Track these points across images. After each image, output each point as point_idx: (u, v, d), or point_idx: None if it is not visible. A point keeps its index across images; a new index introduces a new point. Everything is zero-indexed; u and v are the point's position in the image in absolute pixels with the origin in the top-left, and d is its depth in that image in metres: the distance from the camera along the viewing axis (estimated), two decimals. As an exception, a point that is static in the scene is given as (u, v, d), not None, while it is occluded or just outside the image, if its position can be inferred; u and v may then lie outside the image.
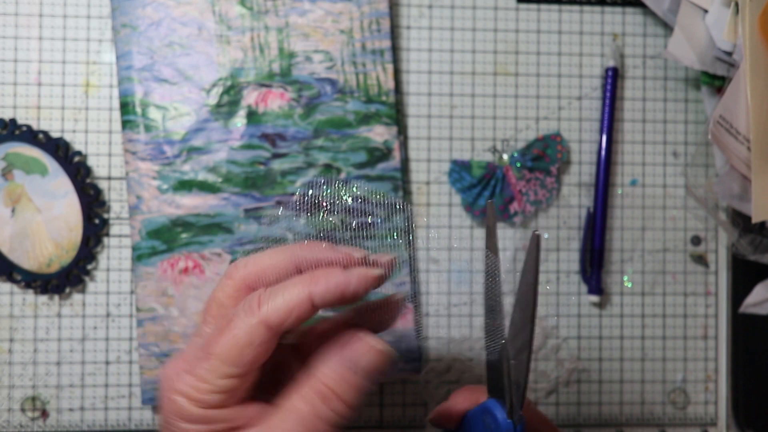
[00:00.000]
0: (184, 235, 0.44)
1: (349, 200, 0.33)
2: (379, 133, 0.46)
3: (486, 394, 0.34)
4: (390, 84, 0.46)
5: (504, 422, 0.31)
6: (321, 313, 0.29)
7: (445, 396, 0.47)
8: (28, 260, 0.45)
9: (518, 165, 0.48)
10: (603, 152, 0.48)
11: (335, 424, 0.28)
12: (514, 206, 0.48)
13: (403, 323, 0.46)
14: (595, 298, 0.48)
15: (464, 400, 0.35)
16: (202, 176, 0.45)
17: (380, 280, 0.29)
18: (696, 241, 0.50)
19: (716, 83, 0.47)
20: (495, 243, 0.36)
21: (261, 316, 0.27)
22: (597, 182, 0.48)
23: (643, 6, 0.49)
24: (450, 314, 0.48)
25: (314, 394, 0.28)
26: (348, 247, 0.30)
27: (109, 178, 0.46)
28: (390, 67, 0.46)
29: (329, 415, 0.28)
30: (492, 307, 0.35)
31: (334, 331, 0.30)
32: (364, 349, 0.28)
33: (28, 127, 0.45)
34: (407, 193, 0.48)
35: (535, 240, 0.37)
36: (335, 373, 0.28)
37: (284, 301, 0.28)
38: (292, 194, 0.45)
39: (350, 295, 0.28)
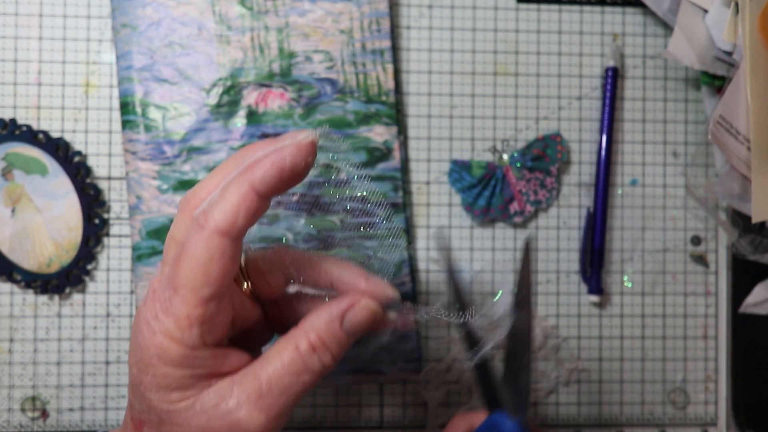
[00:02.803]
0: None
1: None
2: (379, 133, 0.46)
3: (486, 415, 0.34)
4: (390, 84, 0.46)
5: (512, 427, 0.31)
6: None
7: (445, 396, 0.47)
8: (28, 260, 0.45)
9: (518, 165, 0.48)
10: (603, 152, 0.48)
11: (318, 375, 0.29)
12: (514, 206, 0.48)
13: (403, 323, 0.46)
14: (595, 298, 0.48)
15: (464, 421, 0.35)
16: (202, 176, 0.45)
17: (313, 146, 0.28)
18: (696, 241, 0.50)
19: (716, 83, 0.47)
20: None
21: (210, 226, 0.26)
22: (597, 182, 0.48)
23: (643, 6, 0.49)
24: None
25: (305, 343, 0.28)
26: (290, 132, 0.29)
27: (109, 178, 0.46)
28: (390, 67, 0.46)
29: (315, 364, 0.28)
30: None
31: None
32: (355, 305, 0.29)
33: (28, 127, 0.45)
34: (407, 193, 0.48)
35: (529, 246, 0.37)
36: (326, 325, 0.28)
37: (228, 202, 0.26)
38: (292, 194, 0.45)
39: (289, 169, 0.27)
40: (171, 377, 0.27)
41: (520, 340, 0.35)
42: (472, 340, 0.33)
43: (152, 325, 0.27)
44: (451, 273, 0.36)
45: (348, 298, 0.30)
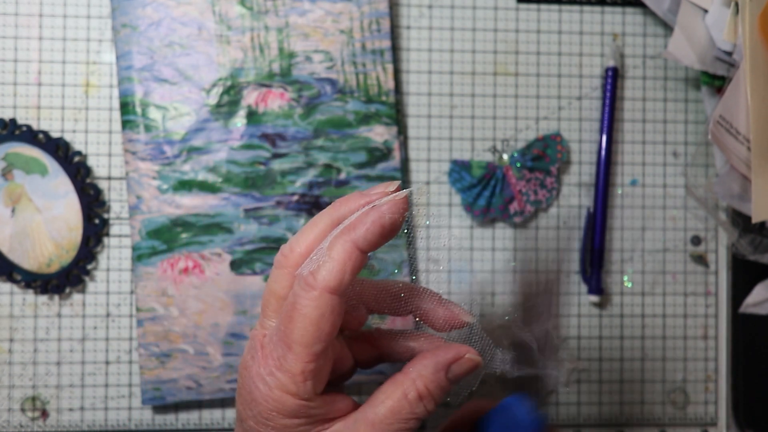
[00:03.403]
0: (184, 235, 0.44)
1: None
2: (379, 133, 0.46)
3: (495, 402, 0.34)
4: (390, 84, 0.46)
5: (525, 416, 0.31)
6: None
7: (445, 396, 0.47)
8: (28, 260, 0.45)
9: (518, 165, 0.48)
10: (603, 152, 0.48)
11: (421, 420, 0.30)
12: (514, 206, 0.48)
13: (403, 323, 0.46)
14: (595, 298, 0.48)
15: (476, 406, 0.35)
16: (202, 176, 0.45)
17: (407, 200, 0.29)
18: (696, 241, 0.50)
19: (716, 83, 0.47)
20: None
21: (320, 285, 0.28)
22: (597, 182, 0.48)
23: (643, 6, 0.49)
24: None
25: (413, 392, 0.29)
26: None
27: (109, 178, 0.46)
28: (390, 67, 0.46)
29: (421, 411, 0.30)
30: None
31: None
32: (460, 356, 0.31)
33: (28, 127, 0.45)
34: (407, 193, 0.48)
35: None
36: (434, 375, 0.30)
37: (334, 261, 0.28)
38: (293, 194, 0.45)
39: (389, 226, 0.28)
40: (289, 427, 0.29)
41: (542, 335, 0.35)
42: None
43: (268, 381, 0.29)
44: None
45: (454, 349, 0.31)
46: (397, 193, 0.29)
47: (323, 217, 0.31)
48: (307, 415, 0.29)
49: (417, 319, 0.33)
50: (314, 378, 0.29)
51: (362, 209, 0.29)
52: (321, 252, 0.29)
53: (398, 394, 0.29)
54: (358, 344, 0.34)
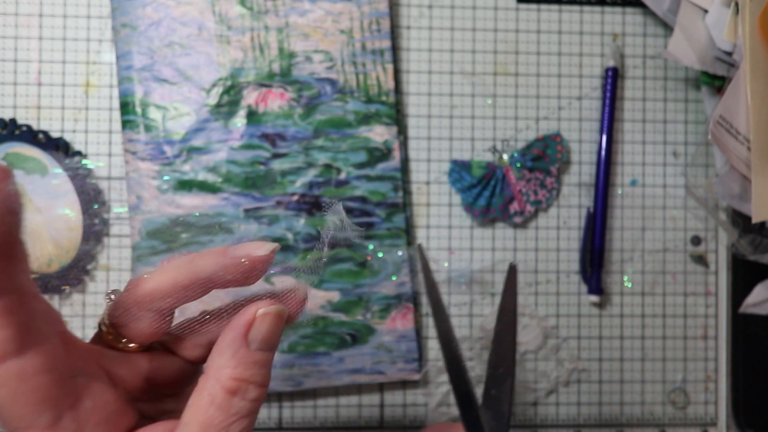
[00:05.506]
0: (184, 235, 0.44)
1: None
2: (379, 133, 0.46)
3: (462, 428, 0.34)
4: (390, 84, 0.46)
5: None
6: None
7: (445, 396, 0.47)
8: (28, 260, 0.45)
9: (518, 165, 0.48)
10: (603, 152, 0.48)
11: (254, 412, 0.24)
12: (514, 206, 0.48)
13: (403, 323, 0.46)
14: (595, 298, 0.48)
15: (440, 429, 0.34)
16: (202, 176, 0.45)
17: (305, 299, 0.26)
18: (696, 241, 0.50)
19: (716, 83, 0.47)
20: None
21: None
22: (597, 182, 0.48)
23: (643, 6, 0.49)
24: (450, 314, 0.48)
25: (220, 392, 0.23)
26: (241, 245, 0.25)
27: (109, 178, 0.46)
28: (390, 67, 0.46)
29: (243, 407, 0.24)
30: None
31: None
32: (252, 320, 0.24)
33: (28, 127, 0.45)
34: (407, 193, 0.47)
35: (513, 271, 0.37)
36: (234, 359, 0.24)
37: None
38: (293, 194, 0.45)
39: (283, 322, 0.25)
40: None
41: (503, 365, 0.35)
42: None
43: None
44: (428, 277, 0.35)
45: (240, 316, 0.24)
46: (291, 286, 0.25)
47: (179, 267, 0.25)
48: None
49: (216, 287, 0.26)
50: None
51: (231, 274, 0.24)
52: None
53: (204, 402, 0.23)
54: (159, 358, 0.27)
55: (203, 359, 0.27)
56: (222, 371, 0.24)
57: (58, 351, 0.22)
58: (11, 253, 0.21)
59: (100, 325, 0.26)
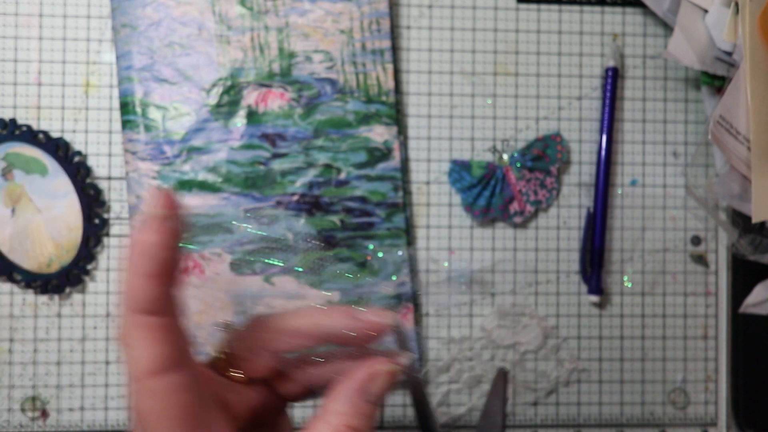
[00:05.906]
0: (183, 235, 0.44)
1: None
2: (379, 133, 0.46)
3: None
4: (390, 84, 0.46)
5: None
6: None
7: (445, 396, 0.47)
8: (28, 260, 0.45)
9: (518, 165, 0.48)
10: (603, 152, 0.48)
11: None
12: (514, 206, 0.48)
13: (403, 323, 0.46)
14: (595, 298, 0.48)
15: None
16: (202, 176, 0.45)
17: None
18: (696, 241, 0.50)
19: (716, 83, 0.47)
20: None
21: None
22: (597, 182, 0.48)
23: (643, 6, 0.49)
24: (450, 314, 0.48)
25: None
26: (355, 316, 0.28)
27: (109, 178, 0.46)
28: (390, 67, 0.46)
29: None
30: None
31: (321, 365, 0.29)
32: (372, 375, 0.27)
33: (28, 127, 0.45)
34: (407, 193, 0.47)
35: (502, 376, 0.37)
36: (350, 407, 0.26)
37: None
38: (293, 194, 0.45)
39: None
40: None
41: None
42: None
43: None
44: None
45: (362, 370, 0.27)
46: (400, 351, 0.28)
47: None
48: None
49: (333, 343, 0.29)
50: None
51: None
52: None
53: None
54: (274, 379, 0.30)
55: (298, 397, 0.30)
56: (337, 417, 0.26)
57: (199, 371, 0.25)
58: (175, 276, 0.24)
59: (214, 352, 0.29)
